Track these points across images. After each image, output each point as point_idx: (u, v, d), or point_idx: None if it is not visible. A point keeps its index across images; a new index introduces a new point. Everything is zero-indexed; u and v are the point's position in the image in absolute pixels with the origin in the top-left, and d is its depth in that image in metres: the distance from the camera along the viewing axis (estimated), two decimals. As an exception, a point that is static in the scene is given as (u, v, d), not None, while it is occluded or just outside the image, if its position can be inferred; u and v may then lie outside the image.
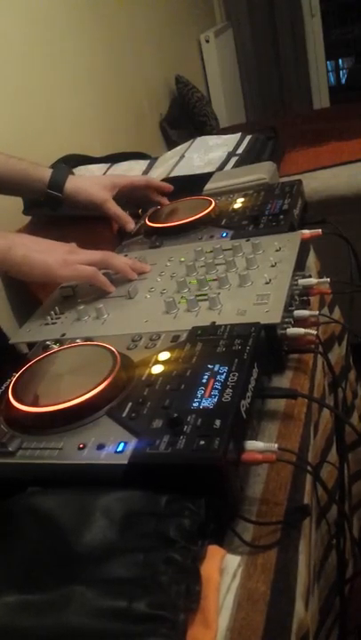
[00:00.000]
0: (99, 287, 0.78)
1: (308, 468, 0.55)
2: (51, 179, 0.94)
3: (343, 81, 4.35)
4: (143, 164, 1.60)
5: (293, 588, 0.45)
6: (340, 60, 4.32)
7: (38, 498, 0.48)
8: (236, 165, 1.39)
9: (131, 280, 0.80)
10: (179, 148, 1.64)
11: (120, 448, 0.48)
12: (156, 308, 0.71)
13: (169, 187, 1.05)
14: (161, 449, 0.47)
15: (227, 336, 0.59)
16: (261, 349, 0.58)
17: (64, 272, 0.75)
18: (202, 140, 1.64)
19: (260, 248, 0.77)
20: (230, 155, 1.47)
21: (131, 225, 0.97)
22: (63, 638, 0.38)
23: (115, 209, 0.96)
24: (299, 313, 0.67)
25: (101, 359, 0.59)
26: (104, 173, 1.44)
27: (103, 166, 1.46)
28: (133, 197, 1.05)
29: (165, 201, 1.05)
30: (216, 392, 0.51)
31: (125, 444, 0.49)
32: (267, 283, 0.69)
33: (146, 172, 1.43)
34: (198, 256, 0.81)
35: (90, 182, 0.98)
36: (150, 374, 0.56)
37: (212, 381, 0.52)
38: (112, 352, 0.59)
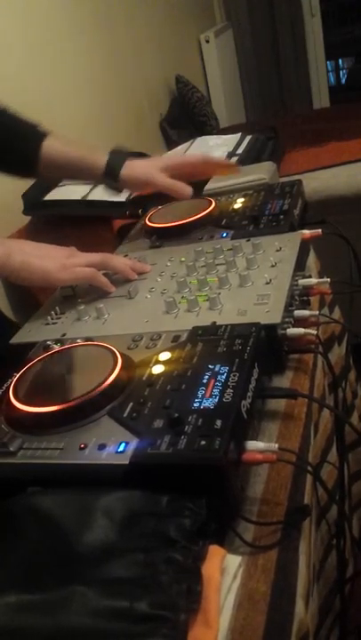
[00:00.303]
0: (99, 288, 0.78)
1: (309, 468, 0.55)
2: (107, 167, 0.95)
3: (343, 81, 4.35)
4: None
5: (294, 588, 0.45)
6: (340, 60, 4.32)
7: (39, 498, 0.48)
8: (236, 165, 1.40)
9: (131, 280, 0.80)
10: (179, 148, 1.64)
11: (121, 448, 0.48)
12: (157, 308, 0.71)
13: (233, 165, 1.03)
14: (162, 449, 0.47)
15: (227, 336, 0.59)
16: (262, 349, 0.58)
17: (63, 276, 0.76)
18: (202, 140, 1.64)
19: (261, 248, 0.77)
20: (230, 155, 1.47)
21: (185, 192, 0.95)
22: (64, 638, 0.38)
23: (163, 181, 0.95)
24: (299, 313, 0.67)
25: (102, 359, 0.59)
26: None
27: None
28: (189, 175, 1.03)
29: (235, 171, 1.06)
30: (217, 392, 0.51)
31: (126, 443, 0.49)
32: (267, 283, 0.69)
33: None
34: (199, 256, 0.81)
35: (142, 168, 0.97)
36: (151, 374, 0.57)
37: (212, 381, 0.52)
38: (113, 352, 0.59)
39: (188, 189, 0.95)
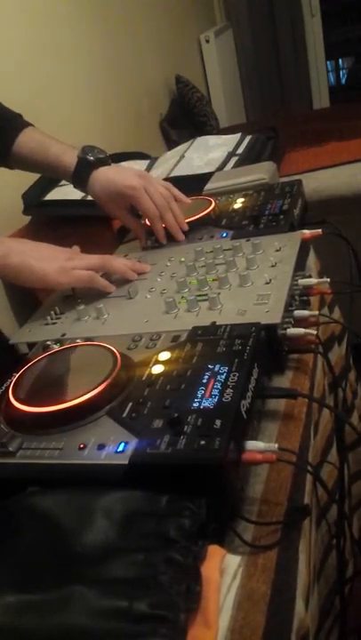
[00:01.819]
0: (99, 290, 0.79)
1: (309, 468, 0.55)
2: (74, 176, 0.92)
3: (343, 81, 4.35)
4: (143, 164, 1.60)
5: (294, 588, 0.45)
6: (340, 60, 4.32)
7: (38, 498, 0.48)
8: (236, 165, 1.40)
9: (131, 281, 0.80)
10: (179, 147, 1.64)
11: (121, 448, 0.48)
12: (157, 308, 0.71)
13: (187, 201, 0.95)
14: (161, 449, 0.47)
15: (227, 336, 0.59)
16: (262, 349, 0.58)
17: (62, 279, 0.75)
18: (202, 140, 1.64)
19: (261, 248, 0.77)
20: (230, 155, 1.47)
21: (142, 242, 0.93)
22: (63, 638, 0.38)
23: (127, 222, 0.93)
24: (299, 313, 0.67)
25: (102, 359, 0.59)
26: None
27: (103, 166, 1.46)
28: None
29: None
30: (216, 392, 0.51)
31: (126, 443, 0.49)
32: (267, 283, 0.69)
33: (146, 171, 1.43)
34: (198, 256, 0.81)
35: (107, 195, 0.91)
36: (151, 374, 0.56)
37: (212, 381, 0.52)
38: (112, 352, 0.59)
39: (144, 241, 0.92)
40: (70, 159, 0.91)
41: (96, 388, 0.54)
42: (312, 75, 3.55)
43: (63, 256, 0.78)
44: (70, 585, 0.40)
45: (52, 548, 0.44)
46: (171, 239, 0.91)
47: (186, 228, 0.91)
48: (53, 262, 0.76)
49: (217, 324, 0.63)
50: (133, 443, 0.48)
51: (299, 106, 3.50)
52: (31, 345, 0.72)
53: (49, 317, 0.77)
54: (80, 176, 0.91)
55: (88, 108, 1.90)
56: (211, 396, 0.51)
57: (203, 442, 0.46)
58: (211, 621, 0.40)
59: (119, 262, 0.81)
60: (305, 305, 0.72)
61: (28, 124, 0.97)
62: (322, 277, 0.73)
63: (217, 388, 0.51)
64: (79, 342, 0.66)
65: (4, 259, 0.73)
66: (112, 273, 0.81)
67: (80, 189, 0.94)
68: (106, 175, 0.90)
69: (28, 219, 1.46)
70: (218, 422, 0.47)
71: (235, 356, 0.55)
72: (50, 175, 1.01)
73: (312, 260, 0.91)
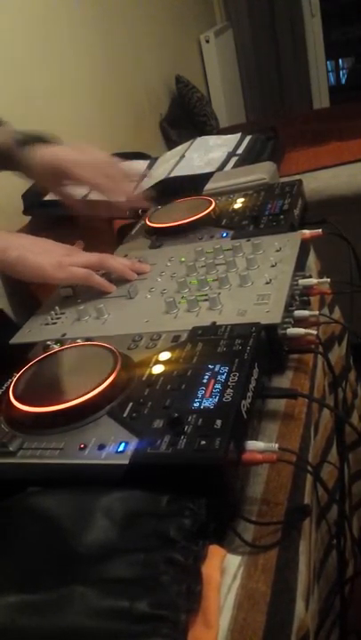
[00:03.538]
0: (96, 288, 0.79)
1: (309, 468, 0.55)
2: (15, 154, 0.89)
3: (343, 81, 4.35)
4: (143, 164, 1.60)
5: (294, 589, 0.45)
6: (340, 60, 4.32)
7: (39, 498, 0.48)
8: (236, 165, 1.40)
9: (130, 280, 0.80)
10: (179, 147, 1.64)
11: (121, 448, 0.48)
12: (157, 308, 0.71)
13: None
14: (162, 449, 0.47)
15: (227, 336, 0.59)
16: (262, 349, 0.58)
17: (58, 274, 0.76)
18: (202, 140, 1.64)
19: (261, 248, 0.77)
20: (230, 155, 1.47)
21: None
22: (64, 638, 0.38)
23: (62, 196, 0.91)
24: (299, 313, 0.67)
25: (102, 359, 0.59)
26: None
27: (103, 166, 1.46)
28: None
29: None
30: (217, 392, 0.51)
31: (126, 444, 0.49)
32: (267, 283, 0.69)
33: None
34: (199, 256, 0.81)
35: (44, 179, 0.89)
36: (151, 374, 0.56)
37: (212, 381, 0.52)
38: (113, 352, 0.59)
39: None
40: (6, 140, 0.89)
41: (96, 388, 0.54)
42: (312, 75, 3.56)
43: (62, 251, 0.78)
44: (71, 585, 0.40)
45: (52, 548, 0.44)
46: (170, 239, 0.91)
47: (138, 200, 0.88)
48: (51, 257, 0.76)
49: (217, 324, 0.63)
50: (134, 443, 0.48)
51: (299, 106, 3.50)
52: (31, 345, 0.72)
53: (49, 317, 0.77)
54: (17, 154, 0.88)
55: (88, 108, 1.90)
56: (211, 396, 0.51)
57: (203, 442, 0.46)
58: (211, 621, 0.40)
59: (117, 261, 0.81)
60: (305, 305, 0.72)
61: None
62: (322, 277, 0.73)
63: (217, 388, 0.51)
64: (79, 342, 0.66)
65: (3, 252, 0.74)
66: (110, 272, 0.81)
67: (20, 171, 0.91)
68: (39, 154, 0.88)
69: (27, 219, 1.46)
70: (218, 422, 0.47)
71: (235, 356, 0.55)
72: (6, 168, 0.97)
73: (312, 260, 0.91)
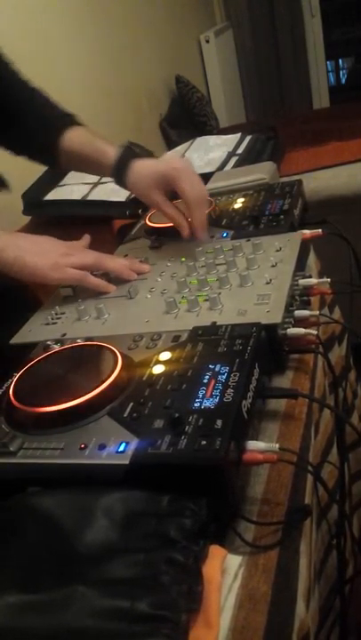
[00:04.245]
0: (92, 289, 0.79)
1: (309, 468, 0.55)
2: (113, 171, 0.90)
3: (343, 81, 4.35)
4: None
5: (294, 588, 0.45)
6: (340, 60, 4.32)
7: (39, 498, 0.48)
8: (236, 165, 1.40)
9: (129, 280, 0.81)
10: (179, 147, 1.64)
11: (121, 448, 0.48)
12: (157, 308, 0.71)
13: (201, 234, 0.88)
14: (162, 449, 0.47)
15: (228, 336, 0.59)
16: (262, 349, 0.58)
17: (54, 275, 0.76)
18: (202, 140, 1.64)
19: (261, 248, 0.77)
20: (230, 155, 1.47)
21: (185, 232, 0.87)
22: (64, 638, 0.38)
23: (165, 208, 0.88)
24: (299, 313, 0.67)
25: (102, 359, 0.59)
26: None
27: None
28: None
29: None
30: (217, 392, 0.51)
31: (127, 444, 0.49)
32: (267, 283, 0.69)
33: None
34: (199, 256, 0.81)
35: (145, 180, 0.88)
36: (151, 374, 0.56)
37: (213, 381, 0.52)
38: (113, 352, 0.59)
39: (186, 230, 0.86)
40: (112, 150, 0.90)
41: (97, 388, 0.54)
42: (312, 75, 3.56)
43: (59, 251, 0.78)
44: (71, 585, 0.40)
45: (52, 549, 0.44)
46: (170, 239, 0.91)
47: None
48: (47, 258, 0.76)
49: (217, 324, 0.63)
50: (134, 443, 0.48)
51: (299, 106, 3.50)
52: (31, 345, 0.72)
53: (49, 317, 0.77)
54: (119, 166, 0.89)
55: (88, 108, 1.90)
56: (212, 396, 0.51)
57: (204, 442, 0.46)
58: (212, 621, 0.40)
59: (115, 262, 0.81)
60: (305, 305, 0.72)
61: (78, 123, 0.98)
62: (322, 277, 0.73)
63: (218, 388, 0.51)
64: (80, 342, 0.66)
65: (0, 252, 0.74)
66: (107, 272, 0.81)
67: (118, 182, 0.91)
68: (144, 163, 0.88)
69: (28, 219, 1.46)
70: (219, 422, 0.47)
71: (235, 356, 0.55)
72: (93, 172, 1.00)
73: (312, 260, 0.91)
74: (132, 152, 0.90)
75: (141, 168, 0.88)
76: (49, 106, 0.98)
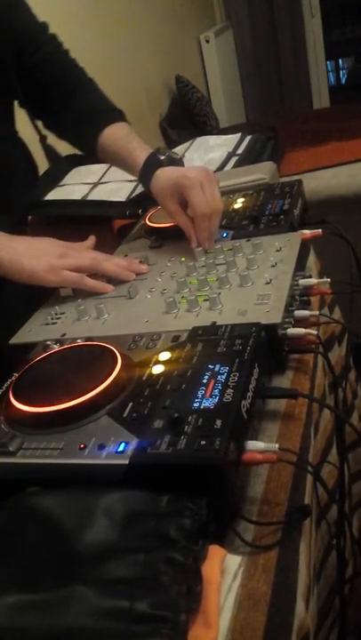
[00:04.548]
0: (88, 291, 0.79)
1: (309, 468, 0.55)
2: (140, 176, 0.92)
3: (343, 81, 4.35)
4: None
5: (294, 588, 0.45)
6: (340, 60, 4.32)
7: (39, 498, 0.48)
8: (236, 165, 1.40)
9: (127, 281, 0.80)
10: (179, 147, 1.64)
11: (121, 448, 0.48)
12: (157, 308, 0.71)
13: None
14: (162, 449, 0.47)
15: (227, 336, 0.59)
16: (262, 349, 0.58)
17: (50, 278, 0.77)
18: (202, 140, 1.64)
19: (261, 248, 0.77)
20: (230, 155, 1.47)
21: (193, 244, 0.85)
22: (64, 638, 0.38)
23: (178, 218, 0.88)
24: (299, 313, 0.67)
25: (102, 359, 0.59)
26: (104, 173, 1.44)
27: (104, 166, 1.46)
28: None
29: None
30: (217, 392, 0.51)
31: (126, 444, 0.49)
32: (267, 283, 0.69)
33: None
34: (199, 256, 0.81)
35: (163, 187, 0.88)
36: (151, 374, 0.56)
37: (212, 381, 0.52)
38: (113, 352, 0.59)
39: (194, 242, 0.85)
40: (143, 155, 0.91)
41: (96, 387, 0.54)
42: (312, 75, 3.56)
43: (56, 252, 0.78)
44: (71, 585, 0.40)
45: (52, 548, 0.44)
46: (170, 239, 0.91)
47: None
48: (43, 260, 0.76)
49: (217, 324, 0.63)
50: (134, 443, 0.48)
51: (299, 106, 3.51)
52: (31, 345, 0.72)
53: (49, 317, 0.77)
54: (146, 172, 0.90)
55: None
56: (211, 396, 0.51)
57: (203, 442, 0.46)
58: (211, 621, 0.40)
59: (111, 263, 0.81)
60: (305, 305, 0.72)
61: (123, 120, 0.99)
62: (322, 277, 0.73)
63: (217, 388, 0.51)
64: (79, 342, 0.66)
65: None
66: (103, 274, 0.81)
67: (145, 189, 0.92)
68: (164, 172, 0.89)
69: (27, 219, 1.46)
70: (218, 422, 0.47)
71: (235, 356, 0.55)
72: (125, 171, 1.01)
73: (312, 260, 0.91)
74: (156, 160, 0.90)
75: (161, 177, 0.89)
76: (101, 97, 1.02)
